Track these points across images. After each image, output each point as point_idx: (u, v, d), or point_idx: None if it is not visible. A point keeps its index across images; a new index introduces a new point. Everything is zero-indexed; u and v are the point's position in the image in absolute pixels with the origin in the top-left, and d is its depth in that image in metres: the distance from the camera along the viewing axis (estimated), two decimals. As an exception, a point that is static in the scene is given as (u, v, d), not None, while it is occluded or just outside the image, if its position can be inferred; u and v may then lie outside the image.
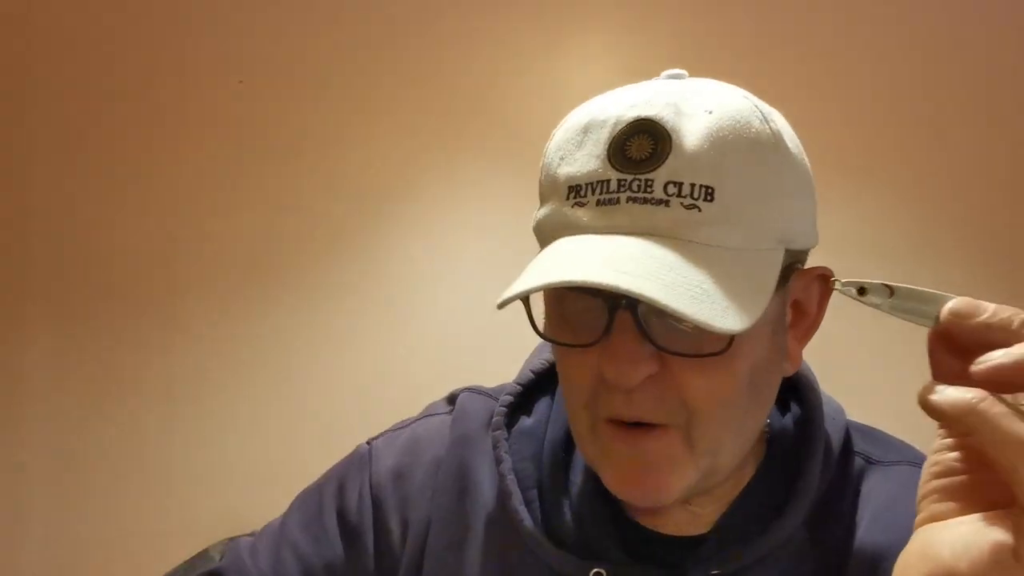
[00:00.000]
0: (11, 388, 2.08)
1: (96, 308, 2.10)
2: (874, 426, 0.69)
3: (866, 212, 2.16)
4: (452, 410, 0.73)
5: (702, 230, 0.51)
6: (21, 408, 2.08)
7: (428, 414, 0.75)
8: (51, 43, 2.17)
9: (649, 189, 0.52)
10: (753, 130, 0.54)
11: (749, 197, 0.52)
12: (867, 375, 1.90)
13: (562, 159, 0.57)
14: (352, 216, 2.16)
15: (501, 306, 0.54)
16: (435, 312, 2.10)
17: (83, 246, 2.13)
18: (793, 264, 0.56)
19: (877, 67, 2.21)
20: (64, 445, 2.06)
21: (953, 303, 0.41)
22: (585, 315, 0.55)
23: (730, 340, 0.52)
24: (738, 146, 0.53)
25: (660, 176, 0.52)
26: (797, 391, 0.66)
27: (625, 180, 0.53)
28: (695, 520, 0.62)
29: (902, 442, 0.67)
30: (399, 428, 0.75)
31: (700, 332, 0.52)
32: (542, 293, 0.57)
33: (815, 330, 0.61)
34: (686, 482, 0.56)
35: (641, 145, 0.53)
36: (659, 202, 0.51)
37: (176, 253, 2.13)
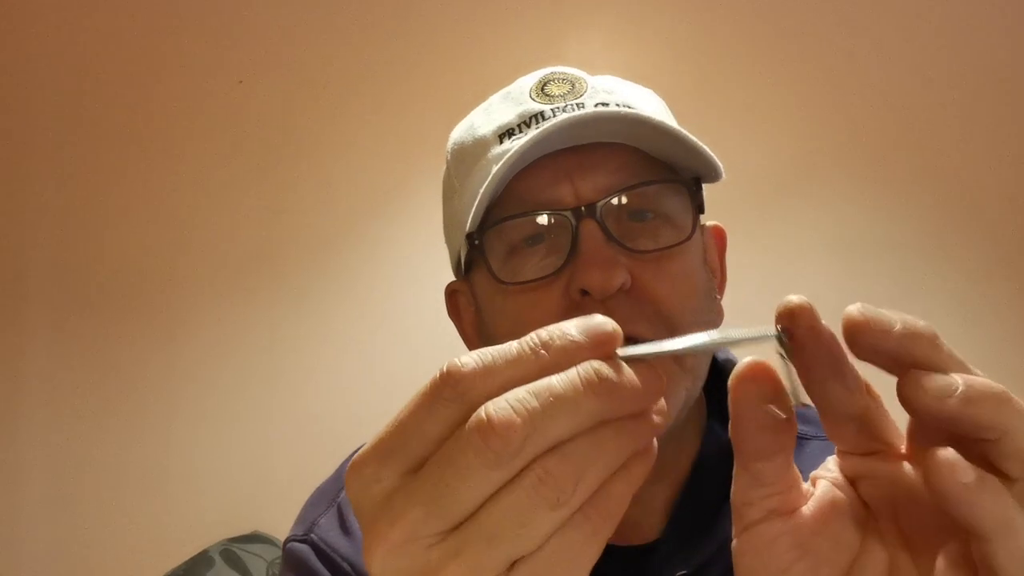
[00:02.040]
0: (11, 388, 2.08)
1: (95, 308, 2.09)
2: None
3: (868, 212, 2.16)
4: None
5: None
6: (21, 408, 2.07)
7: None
8: (50, 43, 2.17)
9: (580, 107, 0.58)
10: (649, 88, 0.64)
11: (665, 121, 0.59)
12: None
13: (476, 129, 0.62)
14: (351, 216, 2.15)
15: (469, 234, 0.58)
16: (433, 313, 2.09)
17: (82, 246, 2.12)
18: (702, 202, 0.61)
19: (879, 65, 2.20)
20: (64, 445, 2.06)
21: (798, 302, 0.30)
22: (540, 254, 0.57)
23: (692, 228, 0.57)
24: (643, 92, 0.62)
25: (586, 102, 0.58)
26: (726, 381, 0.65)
27: (557, 107, 0.58)
28: (641, 526, 0.61)
29: None
30: (327, 507, 0.70)
31: (661, 228, 0.57)
32: (491, 247, 0.59)
33: (725, 283, 0.66)
34: (679, 402, 0.57)
35: (559, 85, 0.60)
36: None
37: (175, 253, 2.13)
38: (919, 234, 2.15)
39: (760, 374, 0.31)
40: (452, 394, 0.27)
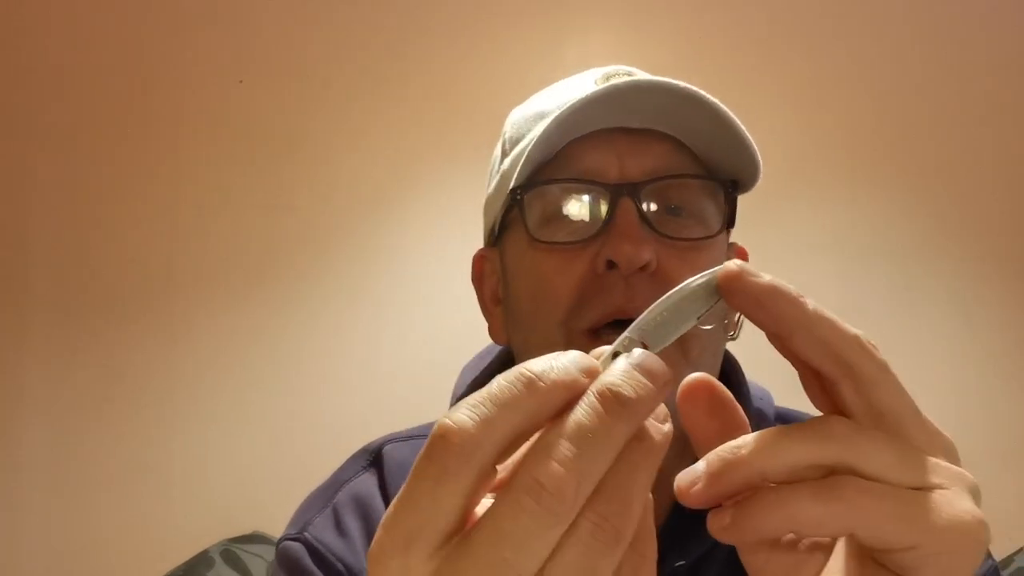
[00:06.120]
0: (11, 388, 2.08)
1: (95, 308, 2.10)
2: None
3: (867, 212, 2.16)
4: (369, 464, 0.70)
5: None
6: (21, 408, 2.07)
7: (346, 479, 0.71)
8: (51, 43, 2.17)
9: None
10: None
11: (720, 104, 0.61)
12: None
13: (538, 105, 0.63)
14: (350, 216, 2.15)
15: (513, 189, 0.60)
16: (432, 312, 2.10)
17: (82, 246, 2.12)
18: (734, 211, 0.62)
19: (880, 66, 2.20)
20: (64, 445, 2.06)
21: (730, 264, 0.31)
22: (575, 222, 0.59)
23: (723, 224, 0.59)
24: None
25: None
26: (726, 376, 0.66)
27: None
28: None
29: None
30: (321, 508, 0.69)
31: (691, 225, 0.59)
32: (531, 204, 0.60)
33: None
34: None
35: (623, 79, 0.60)
36: None
37: (175, 253, 2.13)
38: (916, 236, 2.15)
39: (704, 383, 0.31)
40: (458, 463, 0.25)
